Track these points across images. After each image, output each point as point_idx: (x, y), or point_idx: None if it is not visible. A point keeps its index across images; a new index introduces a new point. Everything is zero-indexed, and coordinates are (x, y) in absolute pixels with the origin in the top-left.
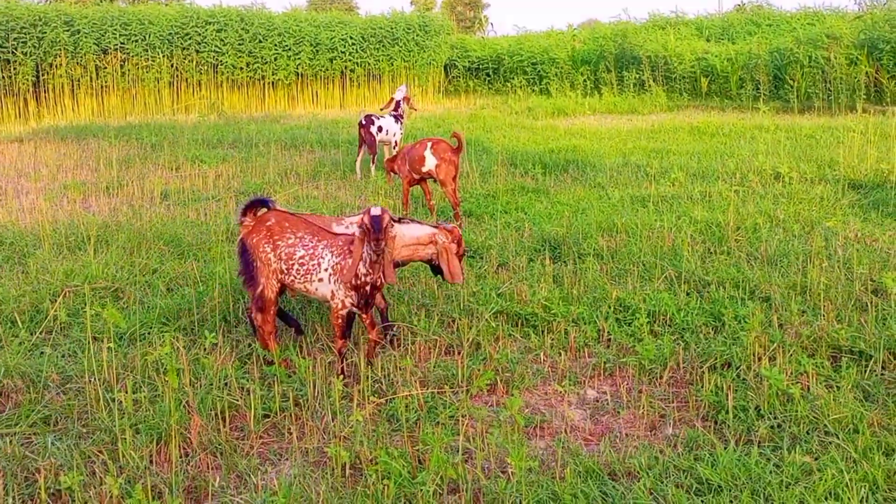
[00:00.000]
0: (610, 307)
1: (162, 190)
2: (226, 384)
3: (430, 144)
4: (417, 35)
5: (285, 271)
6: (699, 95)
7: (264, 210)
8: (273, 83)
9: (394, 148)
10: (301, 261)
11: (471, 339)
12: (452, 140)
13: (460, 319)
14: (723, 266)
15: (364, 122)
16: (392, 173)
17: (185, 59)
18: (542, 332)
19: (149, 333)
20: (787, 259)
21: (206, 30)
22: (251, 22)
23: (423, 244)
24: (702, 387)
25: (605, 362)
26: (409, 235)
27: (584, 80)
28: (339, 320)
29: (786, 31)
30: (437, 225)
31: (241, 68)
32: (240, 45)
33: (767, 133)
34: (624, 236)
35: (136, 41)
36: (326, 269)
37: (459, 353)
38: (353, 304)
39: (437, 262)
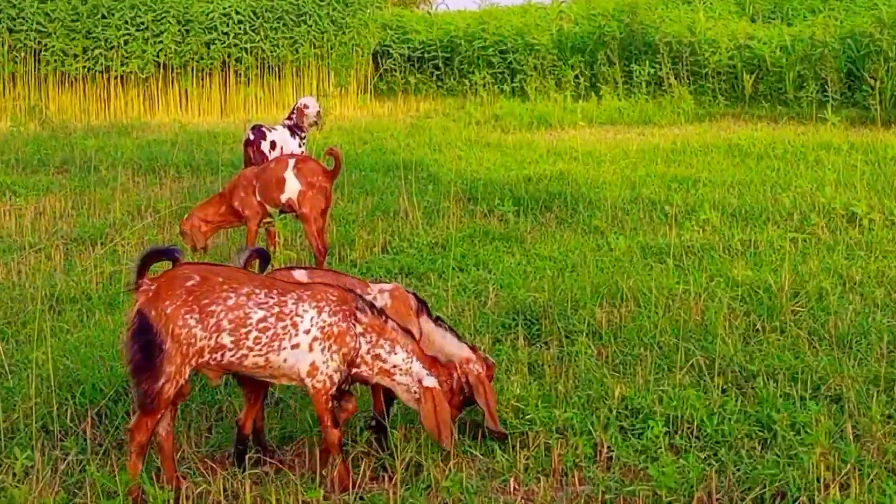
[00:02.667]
0: (611, 410)
1: None
2: None
3: (292, 163)
4: (334, 9)
5: (230, 346)
6: (740, 99)
7: (169, 266)
8: (122, 77)
9: None
10: (262, 325)
11: (409, 459)
12: (327, 160)
13: (395, 429)
14: (774, 350)
15: (252, 138)
16: (190, 236)
17: None
18: (513, 447)
19: None
20: (865, 340)
21: (24, 0)
22: None
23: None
24: None
25: (604, 492)
26: (440, 347)
27: (577, 77)
28: (328, 402)
29: (863, 9)
30: (474, 348)
31: (75, 56)
32: (73, 21)
33: (838, 155)
34: (632, 306)
35: None
36: (308, 331)
37: (392, 479)
38: (337, 383)
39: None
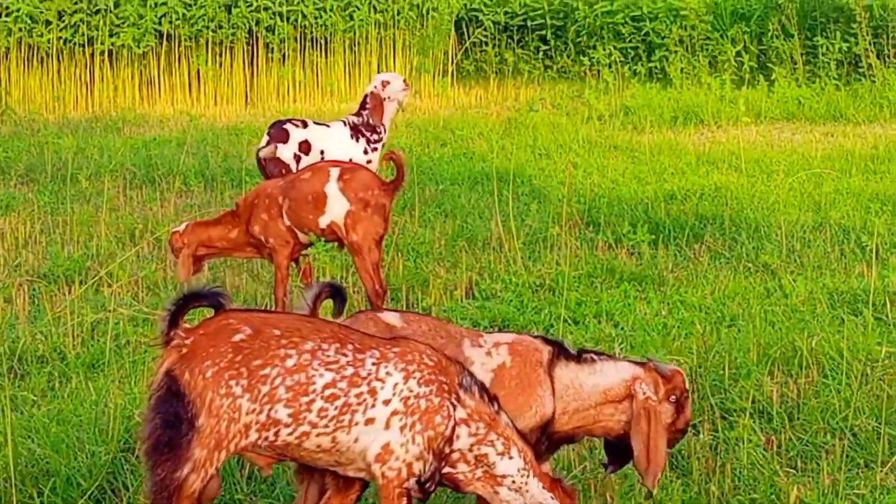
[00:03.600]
0: None
1: None
2: None
3: (336, 174)
4: None
5: (287, 420)
6: None
7: (207, 312)
8: (111, 53)
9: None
10: (329, 392)
11: None
12: (386, 168)
13: None
14: None
15: (267, 141)
16: (181, 253)
17: None
18: None
19: None
20: None
21: None
22: None
23: (615, 401)
24: None
25: None
26: (593, 386)
27: (739, 54)
28: (401, 500)
29: None
30: (645, 362)
31: (48, 23)
32: None
33: None
34: (815, 375)
35: None
36: (388, 402)
37: None
38: (417, 475)
39: (615, 437)
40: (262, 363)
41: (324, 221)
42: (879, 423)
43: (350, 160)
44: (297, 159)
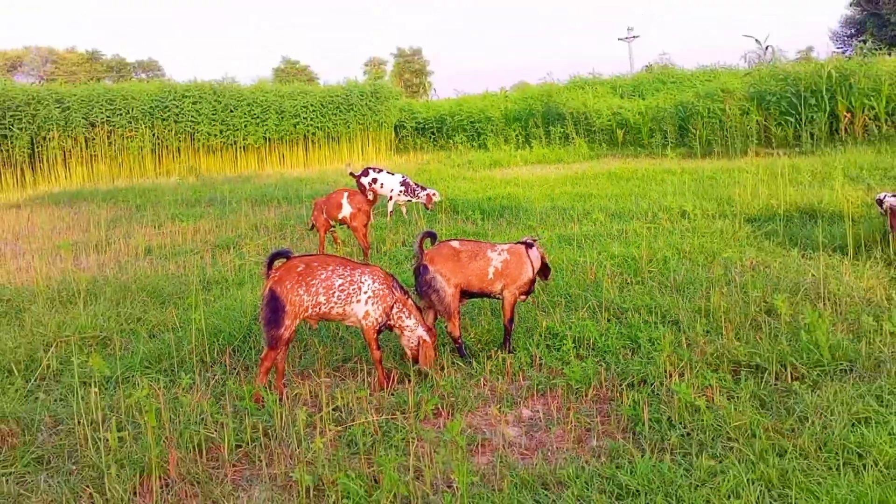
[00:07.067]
0: (541, 335)
1: (145, 246)
2: (202, 419)
3: (346, 195)
4: (370, 101)
5: (324, 302)
6: (616, 145)
7: (283, 260)
8: (244, 147)
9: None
10: (341, 288)
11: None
12: (369, 194)
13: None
14: (638, 295)
15: (359, 173)
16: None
17: (165, 128)
18: (483, 360)
19: (133, 377)
20: (692, 286)
21: (183, 102)
22: (223, 94)
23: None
24: (621, 402)
25: (537, 384)
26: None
27: (517, 135)
28: (375, 334)
29: (688, 88)
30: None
31: (215, 135)
32: (213, 114)
33: (674, 176)
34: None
35: (121, 114)
36: (366, 293)
37: (409, 382)
38: (381, 323)
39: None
40: (310, 279)
41: (340, 215)
42: (581, 291)
43: (391, 192)
44: (370, 185)
